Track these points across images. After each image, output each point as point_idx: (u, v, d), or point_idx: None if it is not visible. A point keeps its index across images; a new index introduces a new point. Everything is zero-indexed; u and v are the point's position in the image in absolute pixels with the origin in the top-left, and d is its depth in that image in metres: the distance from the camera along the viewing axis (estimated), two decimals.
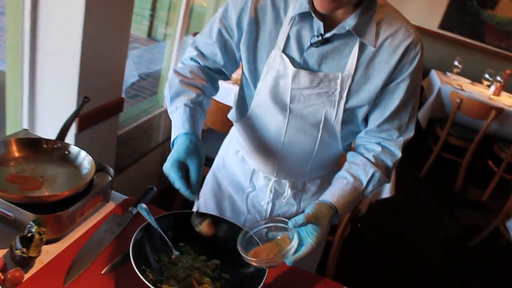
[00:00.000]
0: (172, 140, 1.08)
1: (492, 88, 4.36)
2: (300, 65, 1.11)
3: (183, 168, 0.99)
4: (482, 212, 4.03)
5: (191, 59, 1.22)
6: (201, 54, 1.21)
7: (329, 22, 1.06)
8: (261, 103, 1.19)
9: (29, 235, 0.99)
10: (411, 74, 1.09)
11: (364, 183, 1.15)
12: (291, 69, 1.10)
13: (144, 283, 0.92)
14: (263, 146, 1.27)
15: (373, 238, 3.20)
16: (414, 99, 1.16)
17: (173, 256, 1.10)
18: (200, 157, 1.02)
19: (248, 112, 1.24)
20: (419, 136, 4.79)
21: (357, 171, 1.15)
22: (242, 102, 1.27)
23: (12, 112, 1.69)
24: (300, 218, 1.00)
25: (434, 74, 4.66)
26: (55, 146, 1.23)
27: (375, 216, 3.29)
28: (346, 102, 1.12)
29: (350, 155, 1.22)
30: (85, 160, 1.21)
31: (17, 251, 0.95)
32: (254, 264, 0.99)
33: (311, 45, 1.08)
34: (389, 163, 1.17)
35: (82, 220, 1.16)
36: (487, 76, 4.49)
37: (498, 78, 4.35)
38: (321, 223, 1.02)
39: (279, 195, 1.34)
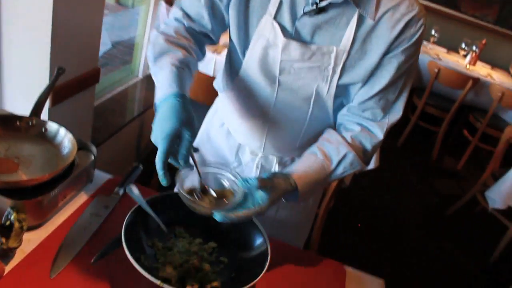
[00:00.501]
0: (156, 102, 0.95)
1: (468, 57, 4.37)
2: (292, 35, 1.02)
3: (175, 141, 0.86)
4: (457, 180, 4.11)
5: (176, 19, 1.09)
6: (187, 15, 1.09)
7: None
8: (248, 73, 1.11)
9: (7, 223, 0.89)
10: (406, 51, 1.00)
11: (335, 163, 1.04)
12: (281, 39, 1.01)
13: (139, 271, 0.85)
14: (249, 119, 1.18)
15: (352, 208, 3.21)
16: (406, 78, 1.06)
17: (168, 241, 1.02)
18: (194, 128, 0.91)
19: (234, 82, 1.15)
20: None
21: (330, 149, 1.05)
22: (229, 71, 1.18)
23: None
24: (253, 181, 0.90)
25: None
26: (30, 123, 1.12)
27: (360, 190, 3.30)
28: (340, 78, 1.03)
29: (326, 132, 1.12)
30: (65, 138, 1.10)
31: None
32: (186, 202, 0.92)
33: (305, 13, 0.99)
34: (368, 145, 1.07)
35: (64, 204, 1.07)
36: (463, 45, 4.50)
37: (474, 48, 4.36)
38: (271, 194, 0.92)
39: (266, 171, 1.26)
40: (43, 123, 1.12)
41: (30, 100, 1.14)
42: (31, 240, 0.95)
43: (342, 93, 1.08)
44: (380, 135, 1.08)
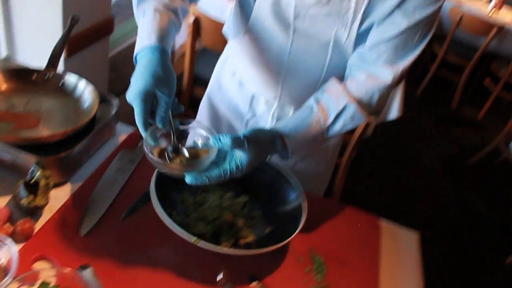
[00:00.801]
0: (135, 53, 0.86)
1: (492, 2, 4.15)
2: None
3: (149, 100, 0.79)
4: (478, 131, 4.01)
5: None
6: None
7: None
8: (261, 18, 1.01)
9: (32, 181, 0.85)
10: None
11: (332, 116, 0.93)
12: None
13: (170, 228, 0.81)
14: (263, 68, 1.10)
15: (374, 158, 3.16)
16: (426, 27, 0.90)
17: (199, 196, 0.98)
18: (171, 88, 0.81)
19: (246, 27, 1.05)
20: None
21: (328, 101, 0.94)
22: (240, 15, 1.07)
23: None
24: (226, 139, 0.77)
25: None
26: (48, 76, 1.05)
27: (381, 140, 3.24)
28: (361, 23, 0.93)
29: (328, 81, 0.99)
30: (85, 90, 1.04)
31: (23, 200, 0.82)
32: (154, 164, 0.82)
33: None
34: (375, 94, 0.94)
35: (88, 159, 1.03)
36: None
37: None
38: (251, 154, 0.81)
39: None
40: (62, 76, 1.06)
41: (44, 52, 1.08)
42: (58, 198, 0.91)
43: (363, 41, 0.96)
44: (388, 78, 0.92)
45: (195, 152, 0.87)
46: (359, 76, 0.95)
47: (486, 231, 2.82)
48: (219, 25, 2.03)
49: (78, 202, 0.91)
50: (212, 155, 0.83)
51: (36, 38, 1.43)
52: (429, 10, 0.88)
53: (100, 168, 1.01)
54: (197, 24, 2.00)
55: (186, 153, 0.85)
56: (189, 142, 0.89)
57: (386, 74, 0.93)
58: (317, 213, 1.01)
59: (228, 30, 1.15)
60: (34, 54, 1.46)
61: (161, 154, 0.84)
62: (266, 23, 1.01)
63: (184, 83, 2.22)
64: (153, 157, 0.80)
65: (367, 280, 0.95)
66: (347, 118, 0.93)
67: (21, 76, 1.03)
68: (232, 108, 1.25)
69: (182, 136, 0.88)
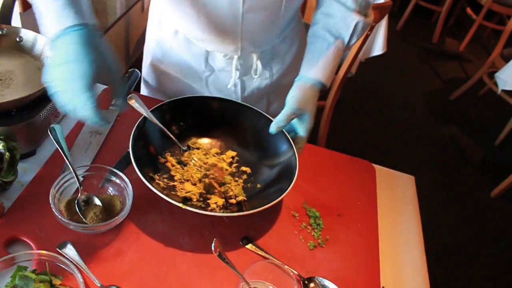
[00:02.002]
0: (52, 36, 0.68)
1: None
2: None
3: (93, 90, 0.67)
4: (460, 62, 3.96)
5: None
6: None
7: None
8: None
9: None
10: None
11: (347, 38, 0.94)
12: None
13: (154, 192, 0.74)
14: (215, 22, 0.94)
15: (357, 98, 3.11)
16: None
17: (182, 155, 0.91)
18: (116, 62, 0.71)
19: None
20: None
21: (337, 26, 0.93)
22: None
23: None
24: (280, 120, 0.86)
25: None
26: (1, 32, 0.93)
27: (365, 78, 3.17)
28: None
29: (323, 5, 0.95)
30: (45, 47, 0.93)
31: None
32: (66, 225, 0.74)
33: None
34: (363, 5, 0.93)
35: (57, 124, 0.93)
36: None
37: None
38: (307, 110, 0.89)
39: (247, 70, 1.07)
40: (17, 31, 0.94)
41: None
42: (27, 170, 0.83)
43: None
44: None
45: (108, 199, 0.80)
46: None
47: (472, 165, 2.85)
48: None
49: (50, 173, 0.83)
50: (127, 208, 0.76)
51: None
52: None
53: (72, 132, 0.93)
54: None
55: (99, 202, 0.78)
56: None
57: None
58: (307, 162, 0.95)
59: None
60: None
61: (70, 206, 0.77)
62: None
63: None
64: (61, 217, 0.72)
65: (367, 230, 0.91)
66: (359, 32, 0.95)
67: None
68: (184, 69, 1.09)
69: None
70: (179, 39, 1.04)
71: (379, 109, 3.09)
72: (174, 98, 0.95)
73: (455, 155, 2.88)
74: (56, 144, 0.78)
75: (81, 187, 0.78)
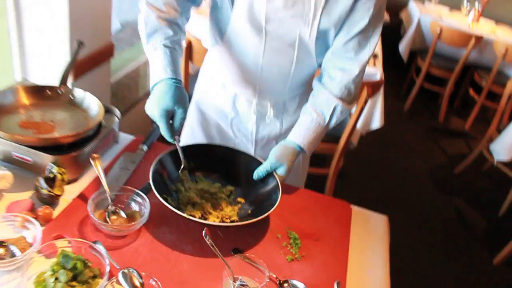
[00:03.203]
0: (152, 84, 1.08)
1: (471, 15, 4.38)
2: None
3: (169, 116, 1.03)
4: (466, 140, 4.17)
5: None
6: None
7: None
8: (236, 26, 1.20)
9: (51, 175, 1.03)
10: None
11: (327, 117, 1.22)
12: None
13: (167, 208, 0.97)
14: (242, 69, 1.29)
15: (362, 169, 3.31)
16: (377, 20, 1.17)
17: (190, 186, 1.15)
18: (186, 105, 1.07)
19: (224, 36, 1.25)
20: (401, 69, 4.84)
21: (321, 106, 1.22)
22: (216, 27, 1.27)
23: (2, 67, 1.66)
24: (260, 171, 1.16)
25: (413, 5, 4.65)
26: (60, 91, 1.24)
27: (363, 148, 3.39)
28: (320, 22, 1.14)
29: (314, 89, 1.26)
30: (92, 102, 1.22)
31: (43, 190, 0.99)
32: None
33: None
34: (351, 86, 1.21)
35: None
36: (465, 3, 4.50)
37: (476, 5, 4.37)
38: (283, 163, 1.17)
39: (262, 116, 1.38)
40: (71, 91, 1.24)
41: (52, 74, 1.26)
42: (71, 192, 1.08)
43: (322, 37, 1.18)
44: (356, 70, 1.19)
45: (131, 213, 1.05)
46: (335, 73, 1.21)
47: (475, 234, 2.95)
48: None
49: (88, 194, 1.07)
50: (145, 217, 1.01)
51: (46, 61, 1.63)
52: (377, 7, 1.13)
53: (106, 168, 1.18)
54: (189, 48, 2.16)
55: (124, 215, 1.03)
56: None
57: (354, 67, 1.19)
58: (293, 200, 1.18)
59: (208, 41, 1.34)
60: (44, 76, 1.65)
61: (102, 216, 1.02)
62: (242, 30, 1.20)
63: None
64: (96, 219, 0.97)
65: (338, 253, 1.10)
66: (338, 114, 1.24)
67: (38, 92, 1.21)
68: (217, 109, 1.42)
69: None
70: (217, 84, 1.39)
71: (382, 180, 3.27)
72: (190, 144, 1.21)
73: (458, 225, 2.99)
74: (96, 170, 1.03)
75: (111, 203, 1.02)
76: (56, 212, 1.01)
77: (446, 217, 3.04)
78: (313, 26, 1.14)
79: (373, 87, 2.17)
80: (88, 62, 1.69)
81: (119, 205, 1.05)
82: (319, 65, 1.28)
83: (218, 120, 1.44)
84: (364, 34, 1.16)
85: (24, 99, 1.19)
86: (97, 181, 1.13)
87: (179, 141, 1.08)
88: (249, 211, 1.12)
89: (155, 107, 1.03)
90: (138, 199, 1.06)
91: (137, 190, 1.06)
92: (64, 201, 1.05)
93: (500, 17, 4.84)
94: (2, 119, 1.11)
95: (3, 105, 1.14)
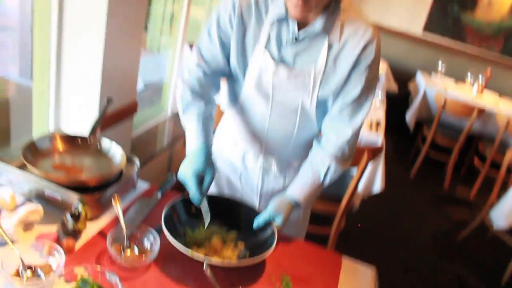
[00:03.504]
0: (188, 149, 1.30)
1: (475, 87, 4.60)
2: (279, 60, 1.30)
3: (199, 180, 1.22)
4: (470, 208, 4.23)
5: (197, 65, 1.38)
6: (203, 58, 1.37)
7: (302, 24, 1.25)
8: (248, 93, 1.39)
9: (76, 212, 1.18)
10: (370, 67, 1.28)
11: (322, 175, 1.38)
12: (272, 64, 1.30)
13: (175, 246, 1.12)
14: (251, 129, 1.47)
15: (366, 232, 3.39)
16: (370, 89, 1.33)
17: (196, 230, 1.28)
18: (215, 169, 1.27)
19: (237, 101, 1.44)
20: (408, 138, 5.01)
21: (317, 165, 1.38)
22: (232, 92, 1.47)
23: (39, 116, 1.87)
24: (259, 220, 1.31)
25: (420, 77, 4.90)
26: (89, 141, 1.42)
27: (368, 212, 3.49)
28: (319, 92, 1.32)
29: (313, 148, 1.42)
30: (116, 152, 1.40)
31: (69, 224, 1.14)
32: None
33: (287, 43, 1.28)
34: (345, 147, 1.37)
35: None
36: (469, 76, 4.73)
37: (480, 78, 4.59)
38: (280, 213, 1.31)
39: (267, 171, 1.53)
40: (99, 141, 1.43)
41: (82, 123, 1.45)
42: (92, 228, 1.23)
43: (321, 105, 1.36)
44: (350, 133, 1.36)
45: (143, 249, 1.20)
46: (331, 136, 1.38)
47: None
48: None
49: (107, 232, 1.22)
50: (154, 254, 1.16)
51: (77, 115, 1.84)
52: (370, 77, 1.31)
53: (124, 209, 1.33)
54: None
55: (136, 250, 1.18)
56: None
57: (348, 131, 1.36)
58: (292, 250, 1.32)
59: (224, 104, 1.54)
60: (75, 126, 1.85)
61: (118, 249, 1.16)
62: (252, 97, 1.39)
63: None
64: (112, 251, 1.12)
65: None
66: (332, 172, 1.39)
67: (71, 141, 1.40)
68: (228, 163, 1.58)
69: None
70: (230, 141, 1.55)
71: (384, 242, 3.33)
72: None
73: None
74: (115, 209, 1.19)
75: (127, 239, 1.16)
76: (78, 244, 1.16)
77: (448, 284, 3.06)
78: (313, 95, 1.32)
79: (373, 153, 2.31)
80: (114, 116, 1.89)
81: (133, 241, 1.19)
82: (320, 129, 1.45)
83: (228, 173, 1.60)
84: (357, 102, 1.33)
85: (59, 145, 1.37)
86: (115, 220, 1.28)
87: (205, 205, 1.27)
88: (248, 254, 1.24)
89: (188, 168, 1.22)
90: (150, 237, 1.20)
91: (150, 229, 1.20)
92: (85, 235, 1.20)
93: (504, 89, 5.06)
94: (39, 161, 1.29)
95: (41, 149, 1.33)
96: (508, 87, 5.17)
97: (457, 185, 4.60)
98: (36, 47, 1.79)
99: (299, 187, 1.38)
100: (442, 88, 4.54)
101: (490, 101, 4.53)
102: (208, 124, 1.35)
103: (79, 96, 1.81)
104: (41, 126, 1.89)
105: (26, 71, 3.28)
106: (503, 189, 3.24)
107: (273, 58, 1.30)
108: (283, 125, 1.42)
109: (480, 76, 4.62)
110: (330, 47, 1.27)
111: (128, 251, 1.16)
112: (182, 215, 1.29)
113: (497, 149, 4.07)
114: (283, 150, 1.49)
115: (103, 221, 1.28)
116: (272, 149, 1.49)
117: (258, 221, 1.30)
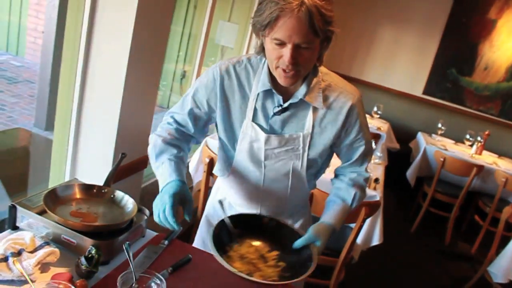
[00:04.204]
0: (161, 188, 1.34)
1: (474, 147, 4.73)
2: (268, 130, 1.40)
3: (175, 203, 1.26)
4: (472, 263, 4.24)
5: (168, 123, 1.49)
6: (176, 121, 1.48)
7: (285, 94, 1.36)
8: (240, 162, 1.47)
9: (89, 255, 1.29)
10: (360, 128, 1.43)
11: (350, 201, 1.49)
12: (262, 135, 1.39)
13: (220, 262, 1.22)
14: (246, 196, 1.55)
15: (366, 285, 3.41)
16: (366, 130, 1.47)
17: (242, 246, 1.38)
18: (191, 200, 1.32)
19: (230, 170, 1.52)
20: (408, 193, 5.08)
21: (343, 194, 1.50)
22: (225, 161, 1.55)
23: (57, 165, 2.02)
24: (300, 242, 1.35)
25: (421, 136, 5.06)
26: (104, 191, 1.56)
27: (368, 265, 3.52)
28: (308, 154, 1.42)
29: (335, 182, 1.56)
30: (128, 202, 1.53)
31: (83, 266, 1.25)
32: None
33: (274, 114, 1.38)
34: (363, 182, 1.53)
35: None
36: (468, 136, 4.88)
37: (479, 138, 4.74)
38: (319, 238, 1.37)
39: None
40: (113, 191, 1.56)
41: (95, 178, 1.58)
42: (102, 271, 1.33)
43: (311, 164, 1.47)
44: (365, 173, 1.53)
45: None
46: (351, 176, 1.52)
47: None
48: None
49: (116, 275, 1.32)
50: None
51: (92, 168, 1.98)
52: (363, 132, 1.44)
53: (133, 254, 1.44)
54: (211, 163, 2.42)
55: None
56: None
57: (363, 172, 1.53)
58: None
59: (217, 172, 1.64)
60: (89, 175, 1.99)
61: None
62: (245, 165, 1.47)
63: (198, 214, 2.59)
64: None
65: None
66: (357, 200, 1.51)
67: (86, 190, 1.53)
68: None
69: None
70: (225, 204, 1.63)
71: None
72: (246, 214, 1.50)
73: None
74: (126, 254, 1.30)
75: (135, 282, 1.26)
76: (90, 285, 1.26)
77: None
78: (303, 157, 1.43)
79: (371, 208, 2.41)
80: (126, 169, 2.04)
81: (141, 284, 1.29)
82: (311, 188, 1.57)
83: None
84: (364, 154, 1.49)
85: (77, 194, 1.50)
86: (124, 264, 1.38)
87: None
88: (287, 274, 1.31)
89: (162, 204, 1.26)
90: (157, 281, 1.29)
91: (157, 274, 1.30)
92: (96, 278, 1.30)
93: (502, 151, 5.19)
94: (58, 208, 1.42)
95: (60, 197, 1.46)
96: (506, 147, 5.30)
97: (458, 241, 4.62)
98: (60, 101, 1.97)
99: (333, 214, 1.46)
100: (441, 147, 4.68)
101: (488, 160, 4.65)
102: (181, 166, 1.38)
103: (95, 149, 1.97)
104: (58, 175, 2.03)
105: (41, 122, 3.48)
106: (504, 244, 3.29)
107: (262, 129, 1.39)
108: (276, 189, 1.52)
109: (478, 137, 4.76)
110: (315, 112, 1.38)
111: None
112: (225, 234, 1.38)
113: (496, 205, 4.13)
114: (278, 210, 1.59)
115: (113, 264, 1.38)
116: (268, 211, 1.57)
117: (298, 243, 1.35)
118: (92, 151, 1.98)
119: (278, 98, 1.36)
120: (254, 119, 1.40)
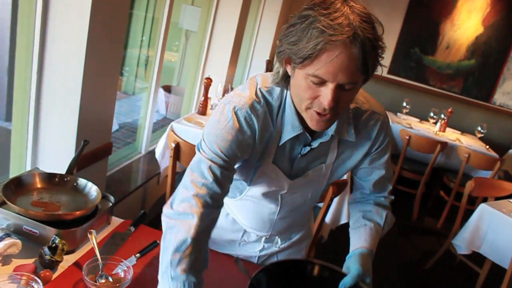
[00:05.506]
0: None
1: (438, 125, 4.86)
2: (291, 173, 1.24)
3: None
4: (437, 237, 4.40)
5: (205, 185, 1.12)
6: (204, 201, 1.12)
7: (311, 130, 1.11)
8: (253, 195, 1.34)
9: (53, 245, 1.26)
10: (386, 148, 1.28)
11: (382, 223, 1.37)
12: (287, 181, 1.24)
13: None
14: (257, 221, 1.43)
15: (336, 263, 3.46)
16: (389, 161, 1.34)
17: None
18: None
19: (239, 196, 1.38)
20: None
21: (373, 216, 1.36)
22: (234, 187, 1.36)
23: (17, 155, 1.95)
24: (347, 281, 1.18)
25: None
26: (66, 179, 1.51)
27: (336, 242, 3.58)
28: (328, 180, 1.31)
29: (360, 206, 1.41)
30: (92, 189, 1.49)
31: (46, 256, 1.22)
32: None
33: (301, 155, 1.20)
34: (388, 203, 1.42)
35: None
36: (432, 114, 5.01)
37: (442, 116, 4.86)
38: (369, 274, 1.22)
39: (270, 243, 1.51)
40: (75, 179, 1.52)
41: (57, 167, 1.54)
42: (68, 260, 1.30)
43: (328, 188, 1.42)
44: (387, 195, 1.43)
45: (117, 278, 1.25)
46: (376, 199, 1.41)
47: None
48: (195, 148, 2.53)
49: (82, 263, 1.30)
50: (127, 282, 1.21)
51: (53, 156, 1.93)
52: (387, 151, 1.29)
53: (99, 242, 1.42)
54: (177, 149, 2.37)
55: (111, 279, 1.24)
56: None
57: (386, 193, 1.42)
58: None
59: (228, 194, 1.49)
60: (51, 164, 1.94)
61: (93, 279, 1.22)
62: (258, 197, 1.33)
63: (166, 199, 2.61)
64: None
65: None
66: (388, 221, 1.40)
67: (48, 179, 1.49)
68: (225, 238, 1.51)
69: None
70: (228, 219, 1.48)
71: None
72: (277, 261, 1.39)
73: None
74: (91, 242, 1.27)
75: (102, 269, 1.24)
76: (55, 275, 1.23)
77: None
78: (324, 183, 1.31)
79: (338, 186, 2.44)
80: (90, 157, 1.99)
81: (108, 272, 1.27)
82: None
83: (224, 245, 1.53)
84: (387, 178, 1.37)
85: (38, 183, 1.46)
86: (90, 253, 1.35)
87: None
88: None
89: None
90: (124, 267, 1.28)
91: (123, 260, 1.29)
92: (61, 268, 1.27)
93: (465, 127, 5.35)
94: (18, 198, 1.37)
95: (20, 187, 1.41)
96: (468, 124, 5.46)
97: (424, 216, 4.77)
98: (17, 90, 1.89)
99: (370, 239, 1.32)
100: (407, 125, 4.78)
101: (452, 137, 4.78)
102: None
103: (56, 137, 1.91)
104: (18, 165, 1.97)
105: (0, 113, 3.36)
106: (467, 218, 3.41)
107: (285, 172, 1.24)
108: (291, 217, 1.42)
109: (441, 114, 4.88)
110: (341, 142, 1.22)
111: (103, 281, 1.23)
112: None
113: (460, 180, 4.27)
114: (290, 230, 1.51)
115: (78, 253, 1.35)
116: (279, 231, 1.48)
117: (345, 283, 1.18)
118: (53, 139, 1.92)
119: (307, 138, 1.17)
120: (275, 160, 1.21)
